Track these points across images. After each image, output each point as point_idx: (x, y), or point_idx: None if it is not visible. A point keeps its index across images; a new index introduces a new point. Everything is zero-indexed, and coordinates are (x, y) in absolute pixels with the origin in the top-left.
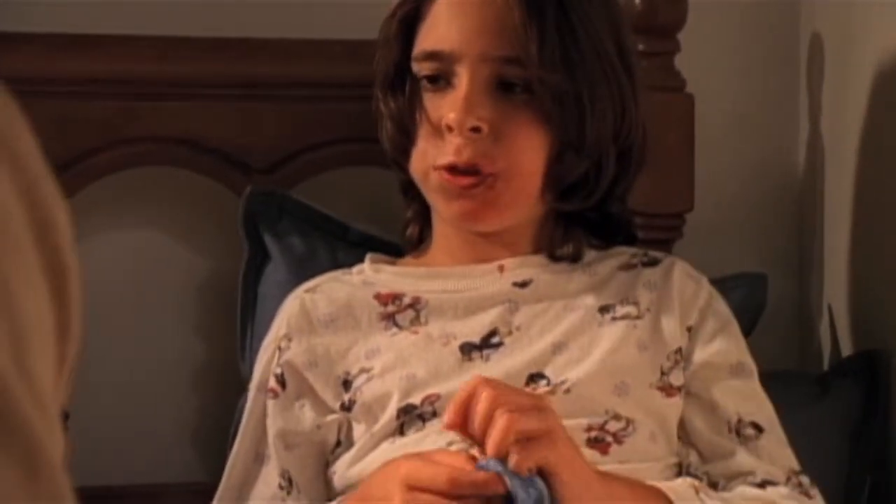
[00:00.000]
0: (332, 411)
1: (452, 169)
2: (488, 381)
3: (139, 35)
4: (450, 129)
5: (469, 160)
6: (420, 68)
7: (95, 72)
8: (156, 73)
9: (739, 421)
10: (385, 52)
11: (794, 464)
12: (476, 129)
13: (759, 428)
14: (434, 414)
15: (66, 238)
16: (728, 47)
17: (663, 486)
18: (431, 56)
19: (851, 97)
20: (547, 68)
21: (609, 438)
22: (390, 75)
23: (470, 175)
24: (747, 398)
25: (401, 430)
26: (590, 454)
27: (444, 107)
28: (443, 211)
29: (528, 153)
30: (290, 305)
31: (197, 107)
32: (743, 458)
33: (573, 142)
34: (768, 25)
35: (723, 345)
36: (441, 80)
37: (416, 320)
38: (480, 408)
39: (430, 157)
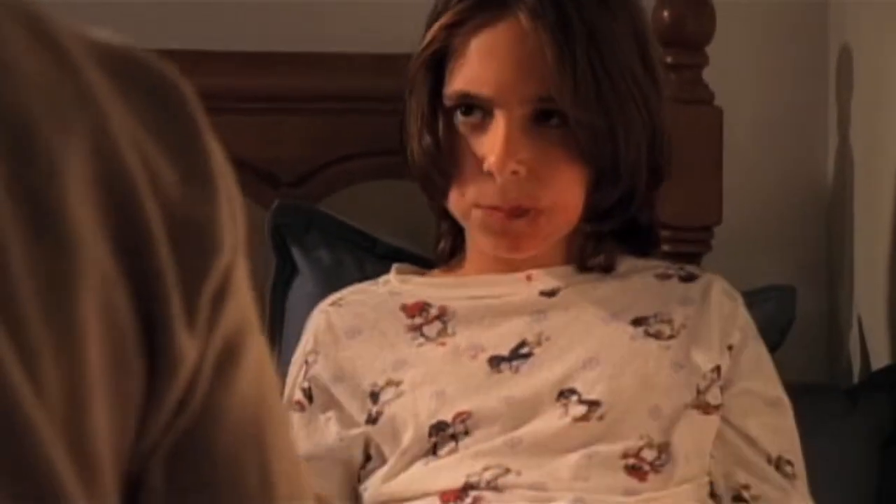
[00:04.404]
0: (357, 425)
1: (496, 208)
2: None
3: (166, 49)
4: (491, 172)
5: (513, 202)
6: (454, 105)
7: None
8: None
9: (779, 458)
10: (416, 90)
11: None
12: (515, 172)
13: (793, 466)
14: (466, 433)
15: (165, 254)
16: (756, 60)
17: None
18: (466, 97)
19: (882, 108)
20: (581, 107)
21: (646, 467)
22: (425, 113)
23: (515, 216)
24: (783, 435)
25: (434, 450)
26: (627, 481)
27: (483, 146)
28: (485, 244)
29: (568, 188)
30: (317, 320)
31: (224, 120)
32: (797, 498)
33: (608, 173)
34: (796, 37)
35: (764, 377)
36: (476, 112)
37: (443, 331)
38: None
39: (471, 197)
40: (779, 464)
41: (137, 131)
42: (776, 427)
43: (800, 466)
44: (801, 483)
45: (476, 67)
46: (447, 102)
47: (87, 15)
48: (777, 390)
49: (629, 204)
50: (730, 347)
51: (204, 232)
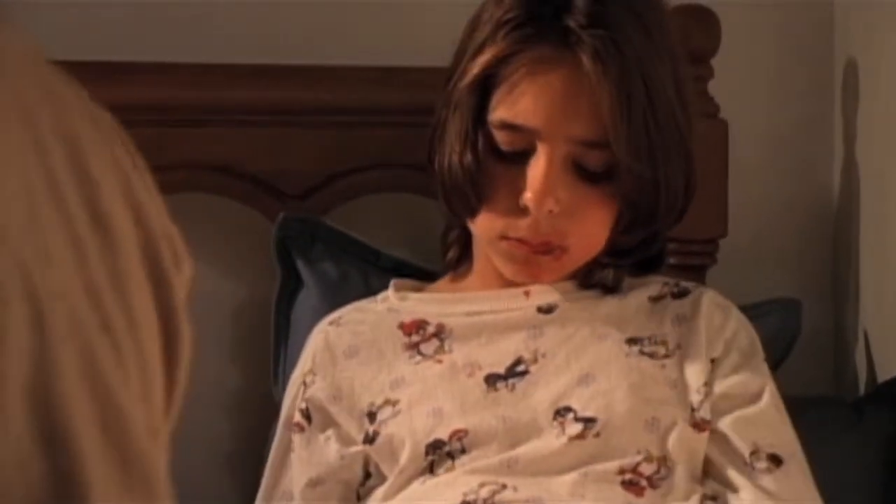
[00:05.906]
0: (356, 443)
1: (524, 241)
2: None
3: (173, 63)
4: (527, 207)
5: (542, 238)
6: (499, 136)
7: (130, 99)
8: (190, 99)
9: (754, 453)
10: (459, 110)
11: (816, 496)
12: (551, 211)
13: (777, 460)
14: (463, 451)
15: (178, 284)
16: (762, 73)
17: None
18: (513, 128)
19: (889, 122)
20: (633, 155)
21: (643, 482)
22: (469, 133)
23: (541, 251)
24: (763, 426)
25: (431, 469)
26: (624, 496)
27: (521, 178)
28: (504, 270)
29: (599, 228)
30: (315, 340)
31: (231, 133)
32: (747, 496)
33: (643, 218)
34: (802, 50)
35: (743, 377)
36: (518, 143)
37: (440, 349)
38: None
39: (500, 227)
40: (753, 460)
41: (126, 158)
42: (754, 418)
43: (790, 455)
44: (789, 472)
45: (527, 100)
46: (492, 128)
47: (95, 26)
48: (762, 385)
49: (652, 243)
50: (712, 361)
51: (176, 240)
